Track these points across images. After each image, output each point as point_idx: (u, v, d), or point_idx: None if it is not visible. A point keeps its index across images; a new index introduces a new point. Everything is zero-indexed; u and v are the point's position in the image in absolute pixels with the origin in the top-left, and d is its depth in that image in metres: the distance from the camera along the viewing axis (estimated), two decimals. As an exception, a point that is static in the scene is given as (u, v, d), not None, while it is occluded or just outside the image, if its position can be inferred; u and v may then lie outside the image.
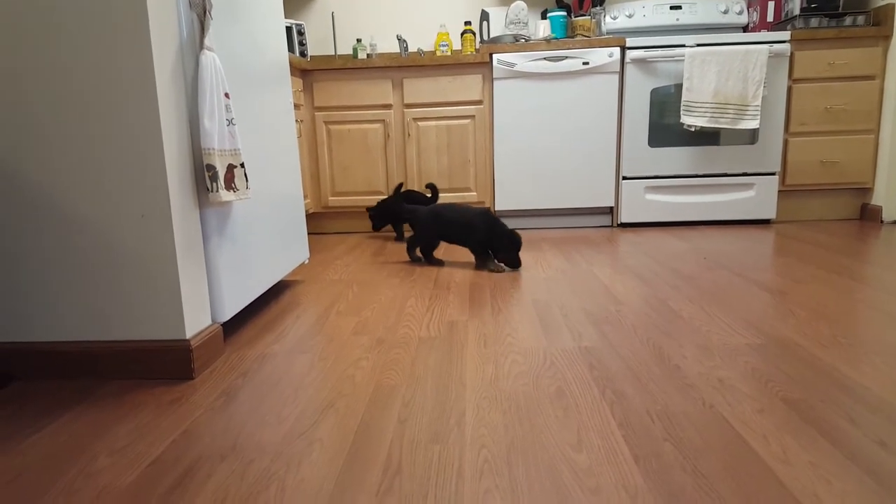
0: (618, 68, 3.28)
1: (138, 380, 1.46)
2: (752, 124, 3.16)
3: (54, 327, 1.46)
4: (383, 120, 3.43)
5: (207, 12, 1.49)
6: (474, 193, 3.48)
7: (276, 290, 2.28)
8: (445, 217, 2.53)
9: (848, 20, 3.26)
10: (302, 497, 0.95)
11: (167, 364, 1.45)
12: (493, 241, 2.43)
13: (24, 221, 1.41)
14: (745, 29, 3.70)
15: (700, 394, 1.27)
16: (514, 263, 2.43)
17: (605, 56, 3.26)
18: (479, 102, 3.39)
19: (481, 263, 2.52)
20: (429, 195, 3.26)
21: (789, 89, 3.27)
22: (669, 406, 1.22)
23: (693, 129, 3.25)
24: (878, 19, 3.24)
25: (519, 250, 2.42)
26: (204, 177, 1.50)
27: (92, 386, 1.43)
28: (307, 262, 2.78)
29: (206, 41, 1.49)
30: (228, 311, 1.64)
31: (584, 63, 3.27)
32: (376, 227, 3.39)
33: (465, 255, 2.82)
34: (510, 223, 3.57)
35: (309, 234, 3.66)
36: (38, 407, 1.33)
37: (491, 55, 3.31)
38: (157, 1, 1.35)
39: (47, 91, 1.35)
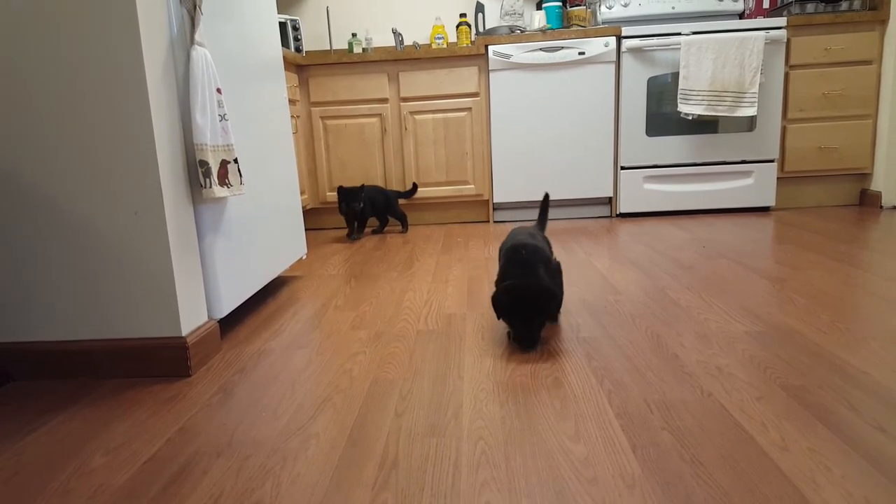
0: (614, 58, 3.26)
1: (135, 378, 1.45)
2: (750, 111, 3.14)
3: (50, 326, 1.46)
4: (380, 114, 3.41)
5: (198, 7, 1.48)
6: (472, 186, 3.46)
7: (274, 286, 2.28)
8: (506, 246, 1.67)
9: (844, 5, 3.23)
10: (297, 493, 0.95)
11: (163, 362, 1.44)
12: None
13: (17, 221, 1.40)
14: (740, 16, 3.67)
15: (698, 382, 1.26)
16: (522, 338, 1.47)
17: (600, 46, 3.24)
18: (475, 95, 3.37)
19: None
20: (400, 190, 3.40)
21: (786, 75, 3.25)
22: (667, 395, 1.21)
23: (691, 118, 3.24)
24: (875, 3, 3.22)
25: (536, 320, 1.44)
26: (197, 173, 1.49)
27: (88, 385, 1.43)
28: (305, 257, 2.77)
29: (197, 36, 1.48)
30: (225, 308, 1.63)
31: (580, 53, 3.25)
32: (360, 229, 3.28)
33: (465, 249, 2.82)
34: (508, 215, 3.55)
35: (306, 229, 3.65)
36: (34, 406, 1.33)
37: (486, 47, 3.29)
38: (145, -4, 1.34)
39: (37, 88, 1.34)
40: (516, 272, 1.49)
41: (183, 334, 1.44)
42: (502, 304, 1.45)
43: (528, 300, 1.42)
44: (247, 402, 1.29)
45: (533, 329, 1.45)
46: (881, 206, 3.28)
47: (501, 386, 1.30)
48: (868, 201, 3.36)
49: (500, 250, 1.69)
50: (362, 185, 3.14)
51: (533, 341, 1.46)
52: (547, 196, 1.91)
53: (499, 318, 1.54)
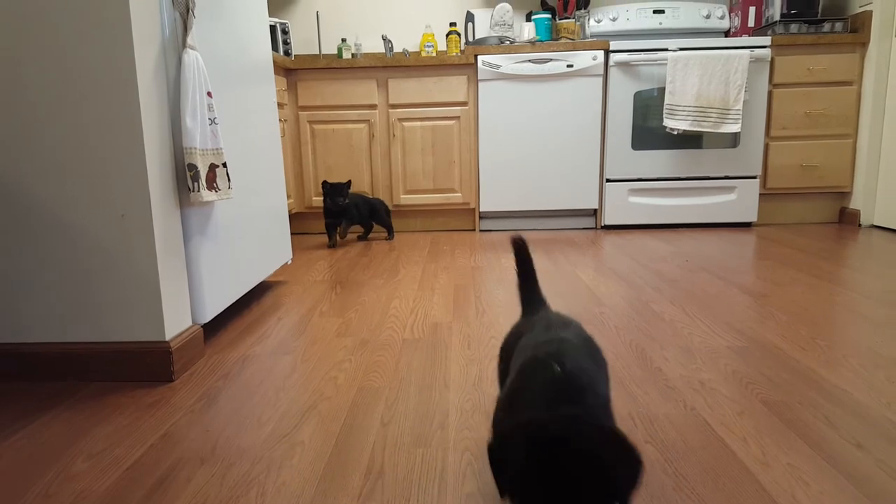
0: (601, 71, 3.29)
1: (118, 382, 1.44)
2: (734, 128, 3.19)
3: (33, 328, 1.44)
4: (368, 120, 3.41)
5: (191, 11, 1.48)
6: (459, 194, 3.48)
7: (259, 291, 2.26)
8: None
9: (826, 26, 3.30)
10: (282, 501, 0.95)
11: (147, 366, 1.43)
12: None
13: (1, 221, 1.39)
14: (726, 34, 3.74)
15: (681, 396, 1.28)
16: None
17: (588, 59, 3.28)
18: (464, 104, 3.39)
19: None
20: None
21: (770, 94, 3.31)
22: (651, 408, 1.23)
23: (675, 133, 3.28)
24: (856, 26, 3.30)
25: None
26: (185, 176, 1.48)
27: (70, 388, 1.41)
28: (290, 262, 2.76)
29: (189, 40, 1.47)
30: (210, 313, 1.62)
31: (569, 66, 3.28)
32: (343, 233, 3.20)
33: (451, 258, 2.83)
34: (495, 224, 3.57)
35: (292, 234, 3.64)
36: (14, 409, 1.31)
37: (476, 56, 3.32)
38: (139, -2, 1.33)
39: (26, 89, 1.32)
40: (543, 403, 0.76)
41: (167, 339, 1.43)
42: (513, 466, 0.69)
43: (574, 465, 0.66)
44: (231, 408, 1.28)
45: None
46: (859, 224, 3.34)
47: (487, 396, 1.30)
48: (847, 219, 3.43)
49: (504, 350, 1.05)
50: (349, 181, 3.12)
51: None
52: (522, 245, 1.11)
53: (502, 487, 0.72)
